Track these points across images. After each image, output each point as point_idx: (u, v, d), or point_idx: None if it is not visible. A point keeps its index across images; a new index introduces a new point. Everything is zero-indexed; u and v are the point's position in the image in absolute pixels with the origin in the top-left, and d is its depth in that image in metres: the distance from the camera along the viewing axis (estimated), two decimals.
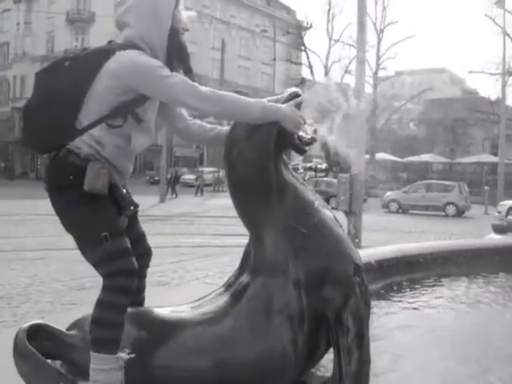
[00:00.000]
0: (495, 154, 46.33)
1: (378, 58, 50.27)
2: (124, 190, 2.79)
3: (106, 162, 2.60)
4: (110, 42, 2.76)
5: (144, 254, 2.88)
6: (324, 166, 56.65)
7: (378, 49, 50.04)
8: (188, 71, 2.72)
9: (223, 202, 27.88)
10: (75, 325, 2.72)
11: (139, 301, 2.84)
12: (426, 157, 52.02)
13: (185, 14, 2.75)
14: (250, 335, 2.56)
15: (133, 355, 2.49)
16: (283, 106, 2.61)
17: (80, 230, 2.62)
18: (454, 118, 48.23)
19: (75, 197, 2.56)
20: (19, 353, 2.56)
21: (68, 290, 7.69)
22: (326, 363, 2.84)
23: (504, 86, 35.85)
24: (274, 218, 2.68)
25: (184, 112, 2.93)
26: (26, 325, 2.62)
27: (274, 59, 53.38)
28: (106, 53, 2.60)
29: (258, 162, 2.66)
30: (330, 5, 50.69)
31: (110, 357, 2.48)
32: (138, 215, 2.94)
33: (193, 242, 13.33)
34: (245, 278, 2.73)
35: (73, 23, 57.50)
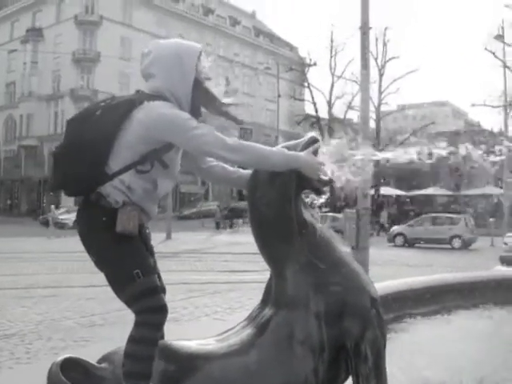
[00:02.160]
0: (500, 186, 46.41)
1: (380, 93, 50.67)
2: (148, 230, 2.98)
3: (137, 205, 2.76)
4: (137, 91, 2.93)
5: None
6: (320, 201, 56.59)
7: (380, 84, 50.48)
8: (225, 115, 2.95)
9: (228, 239, 28.02)
10: (105, 358, 2.86)
11: (161, 335, 2.94)
12: (430, 190, 52.07)
13: (207, 64, 2.94)
14: (275, 366, 2.70)
15: None
16: (302, 154, 2.78)
17: (113, 268, 2.76)
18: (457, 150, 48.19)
19: (108, 238, 2.71)
20: None
21: (79, 326, 7.78)
22: None
23: (506, 118, 36.04)
24: (295, 255, 2.84)
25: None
26: (60, 358, 2.75)
27: (278, 96, 53.82)
28: (134, 103, 2.77)
29: (280, 204, 2.84)
30: (332, 41, 51.33)
31: None
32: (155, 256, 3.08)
33: (201, 278, 13.40)
34: (268, 311, 2.88)
35: (79, 63, 58.20)
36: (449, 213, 34.36)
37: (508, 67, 37.56)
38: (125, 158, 2.74)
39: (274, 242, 2.89)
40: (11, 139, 63.45)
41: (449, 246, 28.22)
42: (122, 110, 2.77)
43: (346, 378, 2.87)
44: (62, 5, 59.72)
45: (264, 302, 2.98)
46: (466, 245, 28.28)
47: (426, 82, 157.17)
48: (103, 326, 7.81)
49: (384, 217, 39.02)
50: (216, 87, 2.95)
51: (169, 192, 2.99)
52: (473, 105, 45.40)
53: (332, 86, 52.68)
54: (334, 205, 46.02)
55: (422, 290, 5.34)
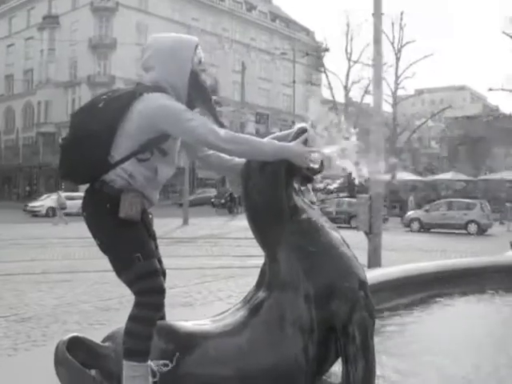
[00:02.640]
0: None
1: (397, 77, 50.43)
2: (150, 215, 3.13)
3: (139, 192, 2.91)
4: (138, 83, 3.06)
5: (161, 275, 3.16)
6: (334, 186, 56.62)
7: (397, 68, 50.22)
8: (211, 110, 3.02)
9: (244, 224, 28.14)
10: (109, 337, 3.02)
11: (162, 315, 3.10)
12: (447, 175, 51.83)
13: (202, 56, 3.06)
14: (266, 345, 2.84)
15: (161, 364, 2.79)
16: (291, 144, 2.89)
17: (116, 252, 2.92)
18: (476, 135, 48.09)
19: (112, 223, 2.86)
20: (60, 362, 2.86)
21: (95, 310, 7.90)
22: (337, 371, 3.07)
23: None
24: (287, 240, 2.96)
25: None
26: (66, 337, 2.91)
27: (294, 81, 53.70)
28: (134, 94, 2.91)
29: (271, 192, 2.97)
30: (348, 26, 51.10)
31: (140, 365, 2.77)
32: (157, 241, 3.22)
33: (216, 263, 13.55)
34: (261, 294, 3.02)
35: (95, 49, 58.49)
36: (466, 198, 34.19)
37: None
38: (126, 147, 2.87)
39: (267, 228, 3.01)
40: (29, 126, 64.03)
41: (464, 232, 28.17)
42: (123, 101, 2.90)
43: (336, 359, 3.00)
44: None
45: (258, 285, 3.12)
46: (481, 230, 28.21)
47: (444, 66, 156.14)
48: (118, 310, 7.92)
49: (411, 201, 38.63)
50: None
51: (168, 178, 3.08)
52: (490, 89, 45.01)
53: (348, 70, 52.50)
54: (351, 189, 46.04)
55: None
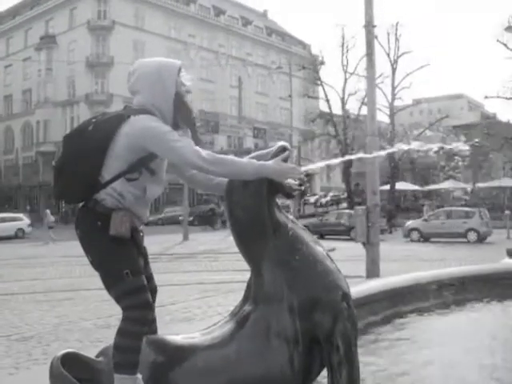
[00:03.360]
0: None
1: (394, 88, 50.67)
2: (141, 234, 3.24)
3: (129, 210, 3.04)
4: (125, 107, 3.22)
5: (152, 291, 3.27)
6: (326, 200, 57.07)
7: (393, 79, 50.51)
8: (193, 129, 3.17)
9: None
10: (102, 353, 3.14)
11: (153, 330, 3.22)
12: (445, 184, 51.96)
13: (188, 78, 3.18)
14: (253, 356, 2.93)
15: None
16: (270, 162, 2.98)
17: (106, 268, 3.03)
18: (473, 144, 48.17)
19: (102, 240, 2.98)
20: (55, 377, 2.96)
21: (95, 328, 7.95)
22: (323, 381, 3.17)
23: None
24: (270, 254, 3.06)
25: None
26: (60, 353, 3.00)
27: (290, 95, 53.90)
28: (122, 117, 3.04)
29: (254, 208, 3.07)
30: (343, 38, 51.33)
31: (130, 377, 2.89)
32: (149, 257, 3.34)
33: (216, 278, 13.61)
34: (247, 307, 3.12)
35: (92, 68, 58.74)
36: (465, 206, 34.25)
37: None
38: (115, 167, 3.00)
39: (251, 243, 3.11)
40: (29, 146, 64.18)
41: (465, 240, 28.20)
42: (111, 124, 3.04)
43: (321, 369, 3.09)
44: (75, 11, 60.42)
45: (245, 299, 3.22)
46: (481, 238, 28.29)
47: (440, 76, 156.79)
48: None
49: (427, 209, 38.45)
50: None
51: (157, 196, 3.23)
52: (486, 97, 45.15)
53: (345, 82, 52.73)
54: (351, 202, 46.14)
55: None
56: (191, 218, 42.02)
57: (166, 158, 3.09)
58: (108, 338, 7.09)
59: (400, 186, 50.44)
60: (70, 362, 2.99)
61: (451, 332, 4.97)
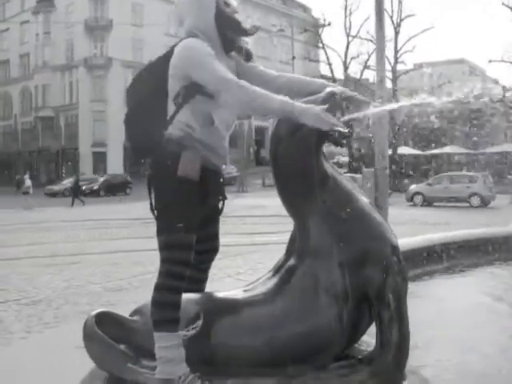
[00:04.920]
0: None
1: (396, 51, 50.15)
2: (221, 179, 3.06)
3: (200, 143, 2.86)
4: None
5: (213, 249, 3.21)
6: (346, 159, 56.84)
7: (396, 42, 49.97)
8: (246, 34, 3.01)
9: (247, 202, 28.12)
10: (137, 311, 3.02)
11: (201, 290, 3.14)
12: (448, 149, 51.78)
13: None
14: (300, 313, 2.80)
15: (193, 332, 2.77)
16: (315, 108, 2.74)
17: (163, 212, 2.88)
18: (476, 108, 47.89)
19: (169, 182, 2.83)
20: (89, 337, 2.86)
21: (105, 291, 7.88)
22: (368, 339, 3.06)
23: None
24: (317, 206, 2.90)
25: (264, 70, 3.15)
26: (94, 312, 2.91)
27: (293, 58, 53.40)
28: (169, 51, 2.97)
29: (301, 157, 2.89)
30: (346, 1, 50.71)
31: (171, 335, 2.76)
32: (222, 211, 3.18)
33: (222, 241, 13.46)
34: (292, 262, 2.96)
35: (91, 31, 58.09)
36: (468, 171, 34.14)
37: None
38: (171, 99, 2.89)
39: (297, 195, 2.95)
40: (27, 111, 63.79)
41: (467, 205, 28.15)
42: (162, 61, 2.95)
43: (369, 324, 2.97)
44: None
45: (288, 253, 3.06)
46: (484, 203, 28.24)
47: (442, 40, 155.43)
48: (128, 290, 7.93)
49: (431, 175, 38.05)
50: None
51: (231, 124, 3.03)
52: (490, 61, 44.93)
53: (347, 46, 52.29)
54: (351, 165, 46.00)
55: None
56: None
57: (198, 80, 2.84)
58: (119, 300, 7.11)
59: (402, 150, 50.20)
60: (105, 321, 2.89)
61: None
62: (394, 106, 3.28)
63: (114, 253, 11.77)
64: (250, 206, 25.12)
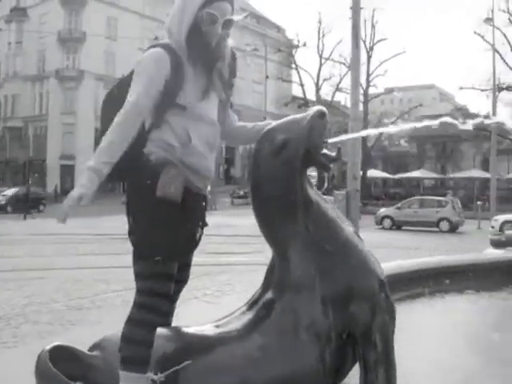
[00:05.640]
0: (486, 170, 46.63)
1: (368, 75, 50.57)
2: (204, 204, 2.79)
3: (182, 164, 2.59)
4: None
5: (182, 280, 2.90)
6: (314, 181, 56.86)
7: (368, 66, 50.38)
8: (208, 72, 2.67)
9: (216, 221, 27.90)
10: (97, 346, 2.72)
11: (168, 324, 2.82)
12: (417, 173, 52.21)
13: (227, 10, 2.67)
14: (279, 353, 2.55)
15: (162, 376, 2.47)
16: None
17: (139, 237, 2.62)
18: (445, 134, 48.45)
19: (148, 204, 2.56)
20: (42, 375, 2.55)
21: (67, 310, 7.60)
22: (348, 382, 2.82)
23: (494, 101, 36.07)
24: (300, 235, 2.68)
25: (232, 114, 2.94)
26: (48, 347, 2.61)
27: (266, 77, 53.54)
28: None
29: (285, 180, 2.67)
30: (320, 23, 51.07)
31: (140, 376, 2.47)
32: (200, 239, 2.89)
33: None
34: (270, 295, 2.72)
35: (64, 43, 57.54)
36: (436, 195, 34.31)
37: (497, 51, 37.40)
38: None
39: (278, 221, 2.73)
40: None
41: (436, 229, 28.24)
42: (130, 76, 2.72)
43: (352, 366, 2.75)
44: None
45: (266, 286, 2.82)
46: (453, 228, 28.35)
47: (414, 65, 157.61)
48: (90, 310, 7.67)
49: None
50: None
51: (213, 140, 2.73)
52: (461, 88, 45.42)
53: (320, 67, 52.60)
54: (322, 187, 45.98)
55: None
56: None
57: None
58: (81, 320, 6.82)
59: (371, 173, 50.50)
60: (60, 357, 2.58)
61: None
62: (382, 130, 3.16)
63: (77, 269, 11.45)
64: (218, 225, 24.92)
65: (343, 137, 2.74)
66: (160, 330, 2.62)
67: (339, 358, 2.62)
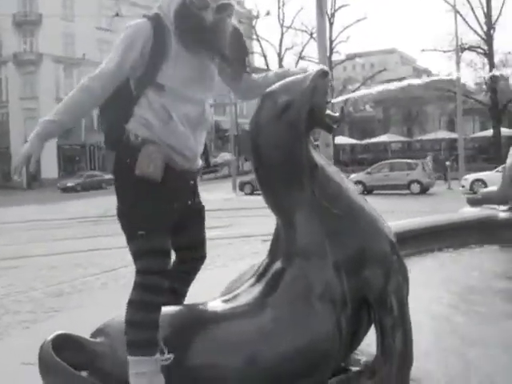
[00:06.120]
0: (452, 130, 47.00)
1: (331, 42, 50.40)
2: (192, 182, 2.67)
3: (163, 142, 2.48)
4: None
5: (197, 258, 2.82)
6: None
7: (331, 33, 50.16)
8: (200, 52, 2.52)
9: None
10: (100, 331, 2.59)
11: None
12: (384, 137, 52.47)
13: None
14: (293, 324, 2.44)
15: (172, 356, 2.36)
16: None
17: (124, 218, 2.54)
18: (409, 96, 48.67)
19: (128, 182, 2.48)
20: (47, 367, 2.42)
21: (47, 297, 7.52)
22: (363, 347, 2.76)
23: (458, 62, 36.20)
24: (306, 200, 2.57)
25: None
26: (51, 336, 2.48)
27: None
28: None
29: (289, 145, 2.56)
30: None
31: (148, 359, 2.36)
32: (204, 215, 2.81)
33: None
34: (279, 265, 2.61)
35: (20, 26, 56.19)
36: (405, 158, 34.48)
37: (458, 11, 37.37)
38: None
39: (283, 188, 2.61)
40: None
41: (408, 192, 28.41)
42: None
43: (367, 331, 2.67)
44: None
45: (272, 256, 2.70)
46: (424, 189, 28.57)
47: (375, 31, 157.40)
48: (71, 295, 7.59)
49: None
50: None
51: (198, 119, 2.59)
52: (423, 50, 45.57)
53: (281, 37, 52.28)
54: None
55: None
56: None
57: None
58: (63, 307, 6.70)
59: (339, 140, 50.59)
60: (63, 346, 2.44)
61: None
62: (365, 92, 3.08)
63: (52, 255, 11.28)
64: None
65: (346, 96, 2.62)
66: (167, 309, 2.52)
67: (355, 324, 2.54)
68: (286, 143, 2.55)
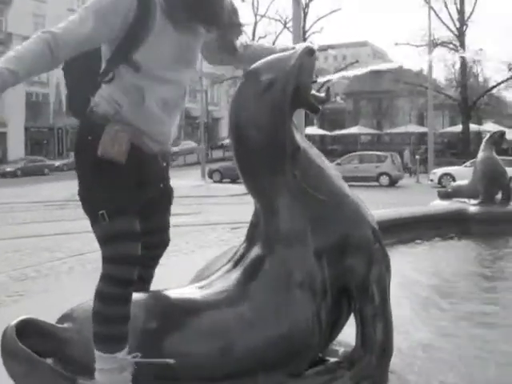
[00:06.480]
0: (421, 124, 47.37)
1: (304, 32, 50.34)
2: (164, 164, 2.49)
3: (132, 125, 2.28)
4: None
5: (160, 244, 2.64)
6: None
7: (304, 23, 50.09)
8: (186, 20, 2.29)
9: None
10: (67, 317, 2.45)
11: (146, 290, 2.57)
12: (354, 129, 52.68)
13: None
14: (272, 312, 2.36)
15: (139, 357, 2.22)
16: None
17: (84, 199, 2.32)
18: (380, 90, 48.89)
19: (88, 161, 2.27)
20: (9, 353, 2.28)
21: (11, 280, 7.35)
22: (341, 338, 2.68)
23: (431, 57, 36.42)
24: (288, 185, 2.47)
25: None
26: (14, 322, 2.33)
27: None
28: None
29: (272, 124, 2.43)
30: None
31: (113, 356, 2.20)
32: (172, 199, 2.64)
33: None
34: (257, 251, 2.50)
35: None
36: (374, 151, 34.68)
37: (431, 7, 37.56)
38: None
39: (264, 172, 2.49)
40: None
41: (377, 184, 28.57)
42: None
43: (346, 320, 2.60)
44: None
45: (250, 242, 2.59)
46: (393, 182, 28.86)
47: (349, 22, 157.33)
48: (36, 279, 7.42)
49: (407, 157, 37.52)
50: None
51: (175, 102, 2.39)
52: (396, 44, 45.70)
53: (255, 25, 52.06)
54: None
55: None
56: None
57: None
58: (27, 291, 6.54)
59: (309, 130, 50.64)
60: (27, 332, 2.30)
61: None
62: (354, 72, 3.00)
63: (16, 238, 11.03)
64: None
65: (331, 76, 2.54)
66: (137, 296, 2.36)
67: (335, 313, 2.46)
68: (269, 124, 2.43)
